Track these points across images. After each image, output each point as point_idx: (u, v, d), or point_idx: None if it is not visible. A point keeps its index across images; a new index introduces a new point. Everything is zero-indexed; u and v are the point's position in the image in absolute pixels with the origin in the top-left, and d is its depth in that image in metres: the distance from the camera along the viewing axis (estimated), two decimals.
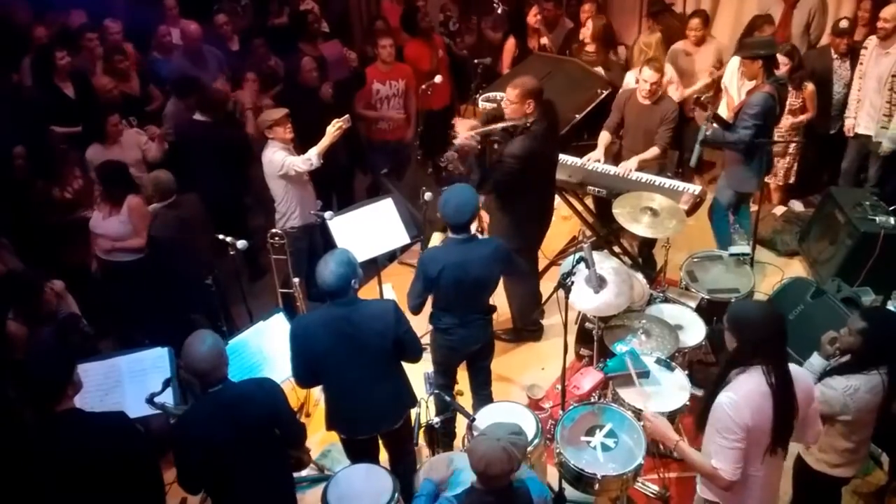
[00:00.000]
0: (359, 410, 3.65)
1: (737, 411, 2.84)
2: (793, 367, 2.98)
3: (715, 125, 5.25)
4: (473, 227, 4.05)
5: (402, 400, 3.78)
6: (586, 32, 6.76)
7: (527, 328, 5.43)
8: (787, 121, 5.99)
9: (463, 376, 4.43)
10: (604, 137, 5.83)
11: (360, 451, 3.81)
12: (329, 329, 3.46)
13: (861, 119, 6.10)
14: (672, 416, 3.95)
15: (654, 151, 5.59)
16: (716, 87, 6.66)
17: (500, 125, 4.75)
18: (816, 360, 3.45)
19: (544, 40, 7.21)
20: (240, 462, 3.12)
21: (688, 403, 3.98)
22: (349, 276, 3.43)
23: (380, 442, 3.90)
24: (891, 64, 5.76)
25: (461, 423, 4.21)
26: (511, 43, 7.26)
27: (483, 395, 4.38)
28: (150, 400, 3.70)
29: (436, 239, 4.88)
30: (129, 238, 4.97)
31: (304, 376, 3.63)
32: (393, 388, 3.72)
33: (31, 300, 4.29)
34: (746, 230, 5.70)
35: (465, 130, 4.74)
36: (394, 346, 3.56)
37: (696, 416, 3.13)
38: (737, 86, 6.15)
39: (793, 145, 6.27)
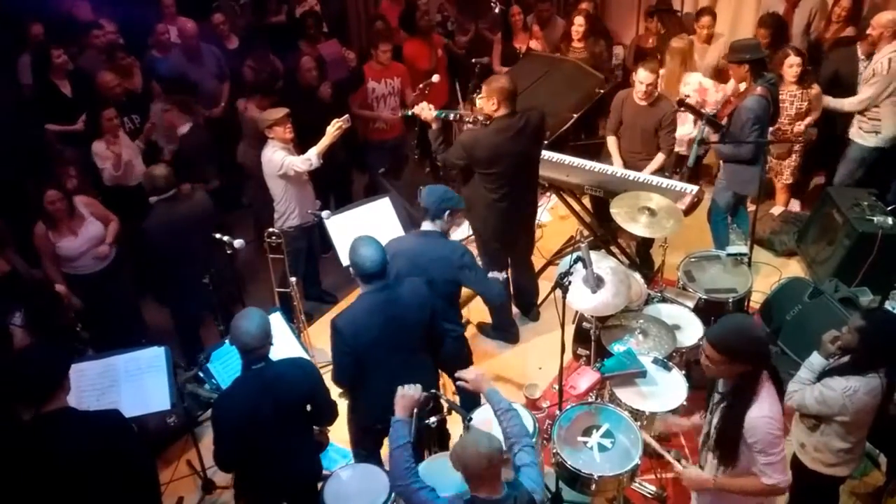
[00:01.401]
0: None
1: (775, 425, 2.92)
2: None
3: (706, 127, 5.24)
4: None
5: (435, 377, 3.84)
6: (577, 30, 6.86)
7: (503, 328, 5.43)
8: (796, 126, 6.00)
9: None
10: (612, 142, 5.85)
11: (376, 446, 3.82)
12: (376, 316, 3.50)
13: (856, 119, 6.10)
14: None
15: (660, 158, 5.63)
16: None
17: (457, 112, 5.10)
18: (816, 360, 3.44)
19: (533, 42, 7.21)
20: (273, 438, 3.22)
21: (685, 404, 3.97)
22: (386, 254, 3.54)
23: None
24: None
25: (454, 425, 4.20)
26: (497, 38, 7.34)
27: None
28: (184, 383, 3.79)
29: None
30: (106, 231, 5.00)
31: (349, 375, 3.59)
32: (427, 365, 3.79)
33: (51, 314, 4.41)
34: (745, 231, 5.70)
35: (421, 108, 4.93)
36: (430, 317, 3.68)
37: (724, 446, 3.06)
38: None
39: (799, 145, 6.26)
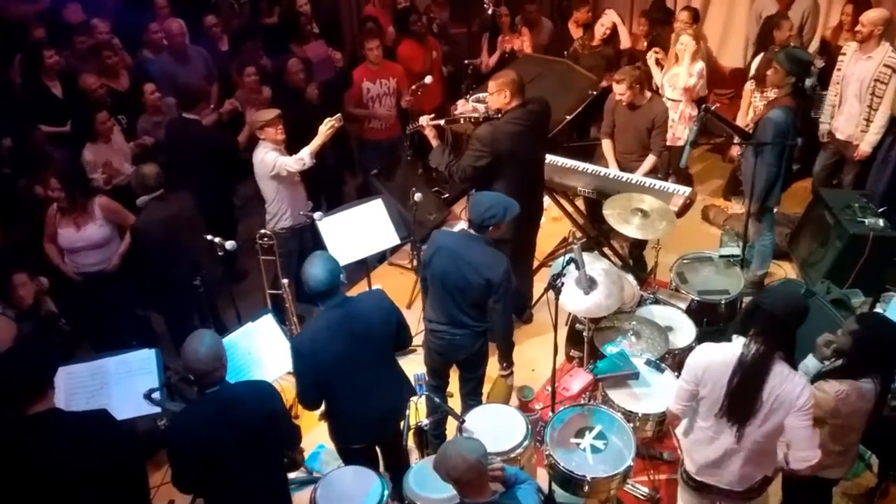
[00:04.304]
0: (372, 411, 3.59)
1: (695, 361, 3.19)
2: (779, 373, 3.03)
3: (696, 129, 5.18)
4: None
5: (408, 389, 3.77)
6: (605, 31, 6.85)
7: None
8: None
9: (455, 378, 4.41)
10: (607, 146, 5.86)
11: (365, 459, 3.75)
12: (335, 335, 3.41)
13: (838, 123, 6.09)
14: (662, 418, 3.95)
15: (651, 160, 5.65)
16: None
17: (466, 115, 4.93)
18: (811, 362, 3.45)
19: (517, 43, 7.21)
20: (235, 463, 3.10)
21: None
22: (339, 273, 3.44)
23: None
24: (872, 68, 5.73)
25: (452, 425, 4.19)
26: (485, 38, 7.38)
27: (471, 403, 4.28)
28: (147, 395, 3.66)
29: None
30: (115, 239, 4.97)
31: (314, 395, 3.53)
32: (398, 377, 3.74)
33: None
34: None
35: (426, 119, 4.84)
36: (395, 328, 3.60)
37: None
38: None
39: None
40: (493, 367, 4.30)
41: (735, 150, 6.51)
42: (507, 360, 4.15)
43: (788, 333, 3.07)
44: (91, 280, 5.00)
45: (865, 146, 5.92)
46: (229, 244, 4.59)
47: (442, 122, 4.89)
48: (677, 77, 6.32)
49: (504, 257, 3.91)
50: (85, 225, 4.86)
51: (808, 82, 5.77)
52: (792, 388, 3.01)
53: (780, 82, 5.13)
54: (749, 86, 6.30)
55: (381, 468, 3.97)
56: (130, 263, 5.10)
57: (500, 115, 4.66)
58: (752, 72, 6.36)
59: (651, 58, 6.61)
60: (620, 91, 5.47)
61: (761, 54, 6.28)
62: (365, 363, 3.51)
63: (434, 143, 4.80)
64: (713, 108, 5.24)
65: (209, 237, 4.62)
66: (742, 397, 3.06)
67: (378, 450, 3.88)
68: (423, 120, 4.84)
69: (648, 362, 4.22)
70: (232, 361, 3.95)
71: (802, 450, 3.05)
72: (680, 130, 6.32)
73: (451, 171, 4.72)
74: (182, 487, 3.17)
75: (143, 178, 4.75)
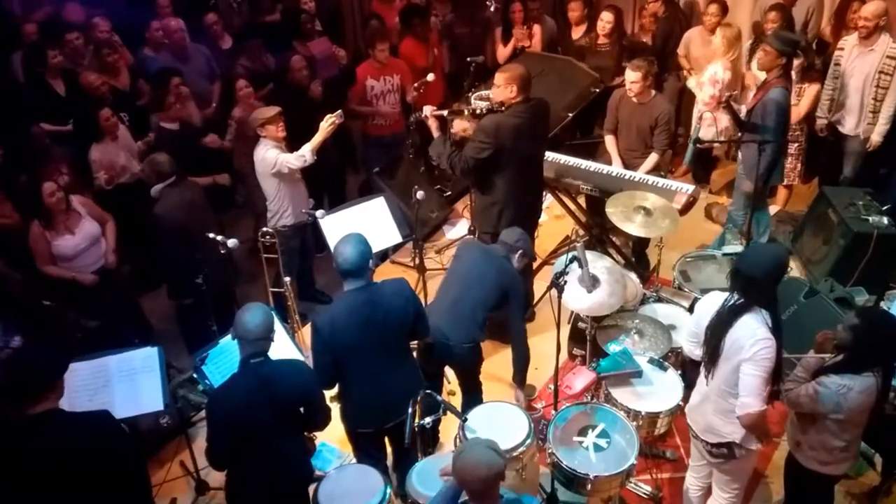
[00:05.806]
0: (382, 397, 3.63)
1: (698, 304, 3.59)
2: (745, 322, 3.20)
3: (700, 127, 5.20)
4: None
5: (419, 379, 3.81)
6: (605, 26, 6.79)
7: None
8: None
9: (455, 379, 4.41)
10: (610, 141, 5.84)
11: (374, 446, 3.81)
12: (355, 318, 3.47)
13: (841, 118, 6.10)
14: (665, 416, 3.95)
15: (653, 159, 5.61)
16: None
17: (468, 107, 4.93)
18: (812, 358, 3.44)
19: (526, 42, 7.19)
20: (267, 437, 3.21)
21: (680, 403, 3.97)
22: (369, 255, 3.51)
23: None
24: (875, 61, 5.75)
25: (446, 426, 4.20)
26: (497, 34, 7.35)
27: (472, 398, 4.33)
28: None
29: None
30: (105, 231, 4.99)
31: (329, 375, 3.56)
32: (412, 368, 3.79)
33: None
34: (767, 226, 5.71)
35: (429, 110, 4.84)
36: (413, 319, 3.64)
37: None
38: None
39: (795, 145, 6.24)
40: (495, 368, 4.31)
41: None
42: (521, 377, 4.31)
43: (769, 290, 3.25)
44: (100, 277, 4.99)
45: (877, 136, 5.93)
46: (231, 242, 4.59)
47: (445, 112, 4.87)
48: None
49: (521, 279, 4.22)
50: (77, 225, 4.84)
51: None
52: (749, 336, 3.16)
53: (771, 63, 5.21)
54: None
55: (391, 461, 4.00)
56: (125, 259, 5.11)
57: (503, 108, 4.65)
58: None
59: (692, 82, 6.53)
60: (634, 79, 5.39)
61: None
62: (380, 349, 3.56)
63: (436, 133, 4.79)
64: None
65: (211, 235, 4.62)
66: (710, 340, 3.31)
67: (388, 441, 3.91)
68: (427, 110, 4.82)
69: (651, 360, 4.21)
70: (234, 358, 3.96)
71: (744, 396, 3.16)
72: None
73: (452, 162, 4.71)
74: (215, 458, 3.26)
75: (158, 165, 4.81)
